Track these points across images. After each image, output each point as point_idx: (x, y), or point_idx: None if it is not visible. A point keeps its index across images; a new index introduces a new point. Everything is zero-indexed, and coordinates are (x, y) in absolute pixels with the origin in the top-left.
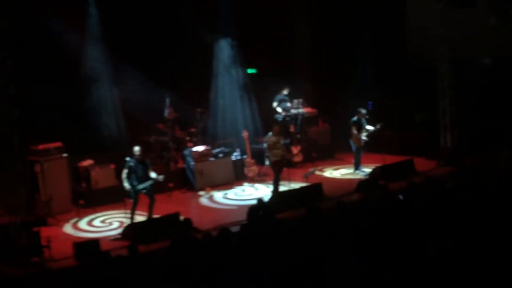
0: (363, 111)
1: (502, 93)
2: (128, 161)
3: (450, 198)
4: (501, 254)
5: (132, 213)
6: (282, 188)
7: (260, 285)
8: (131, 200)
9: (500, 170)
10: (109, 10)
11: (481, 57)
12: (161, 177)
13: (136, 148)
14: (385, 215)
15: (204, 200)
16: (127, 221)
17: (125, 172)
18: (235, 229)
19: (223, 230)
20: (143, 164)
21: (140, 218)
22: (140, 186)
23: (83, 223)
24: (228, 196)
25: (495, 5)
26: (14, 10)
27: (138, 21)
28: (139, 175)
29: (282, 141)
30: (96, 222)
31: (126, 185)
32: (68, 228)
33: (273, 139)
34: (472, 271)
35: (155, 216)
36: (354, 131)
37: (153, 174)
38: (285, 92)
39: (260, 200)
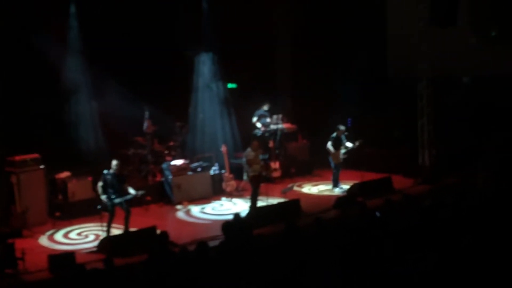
0: (342, 127)
1: (481, 112)
2: (104, 174)
3: (428, 216)
4: (480, 269)
5: (109, 226)
6: (260, 203)
7: None
8: (107, 213)
9: (478, 188)
10: (90, 23)
11: (461, 76)
12: (140, 193)
13: (114, 162)
14: (363, 232)
15: (181, 214)
16: (103, 234)
17: (100, 184)
18: (212, 243)
19: (201, 244)
20: (120, 178)
21: (116, 231)
22: (117, 200)
23: (59, 235)
24: (206, 210)
25: (476, 25)
26: None
27: (118, 34)
28: (116, 188)
29: (260, 156)
30: (72, 235)
31: (103, 197)
32: (43, 240)
33: (252, 154)
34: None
35: (132, 229)
36: (331, 148)
37: (131, 190)
38: (265, 107)
39: (237, 215)
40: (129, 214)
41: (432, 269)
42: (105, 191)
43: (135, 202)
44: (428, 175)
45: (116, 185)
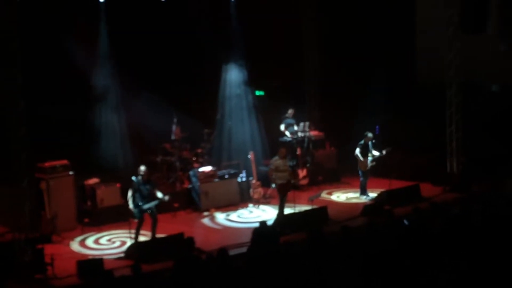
0: (370, 134)
1: (509, 120)
2: (133, 181)
3: (456, 224)
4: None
5: (137, 233)
6: (287, 211)
7: None
8: (136, 220)
9: (507, 196)
10: (120, 29)
11: (490, 84)
12: (167, 197)
13: (142, 168)
14: (390, 240)
15: (208, 221)
16: (130, 241)
17: (130, 192)
18: (239, 251)
19: (221, 251)
20: (149, 183)
21: (143, 238)
22: (146, 206)
23: (88, 241)
24: (231, 217)
25: (505, 32)
26: (24, 28)
27: (147, 41)
28: (144, 194)
29: (288, 163)
30: (103, 241)
31: (131, 205)
32: (72, 246)
33: (279, 162)
34: None
35: (159, 235)
36: (359, 155)
37: (159, 194)
38: (290, 111)
39: (263, 223)
40: (156, 221)
41: (461, 278)
42: (133, 198)
43: (163, 208)
44: (456, 183)
45: (145, 191)
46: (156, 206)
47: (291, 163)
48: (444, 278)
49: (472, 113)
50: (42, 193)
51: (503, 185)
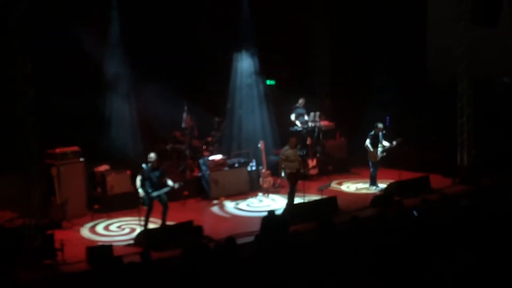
0: (380, 125)
1: None
2: (143, 168)
3: (465, 216)
4: None
5: (146, 220)
6: (296, 200)
7: None
8: (145, 207)
9: None
10: (130, 18)
11: (501, 77)
12: (177, 185)
13: (152, 155)
14: (400, 231)
15: (218, 210)
16: (139, 228)
17: (139, 179)
18: (248, 239)
19: (228, 239)
20: (158, 171)
21: (153, 225)
22: (155, 194)
23: (100, 228)
24: (240, 206)
25: None
26: (36, 15)
27: (158, 29)
28: (153, 182)
29: (298, 153)
30: (113, 227)
31: (141, 192)
32: (85, 232)
33: (290, 152)
34: None
35: (169, 223)
36: (369, 146)
37: (169, 182)
38: (300, 101)
39: (272, 212)
40: (166, 208)
41: (469, 271)
42: (143, 185)
43: (173, 196)
44: (466, 175)
45: (154, 178)
46: (167, 193)
47: (301, 153)
48: (453, 270)
49: (483, 106)
50: (52, 179)
51: None
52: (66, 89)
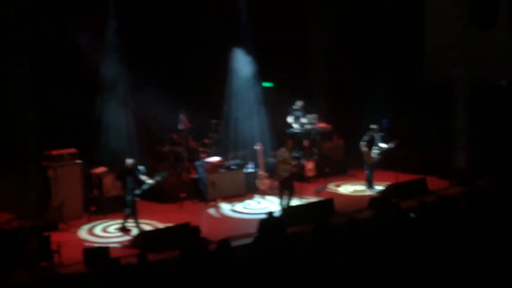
0: (375, 127)
1: None
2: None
3: (462, 218)
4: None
5: (136, 222)
6: (293, 202)
7: None
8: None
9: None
10: (128, 20)
11: (498, 79)
12: (156, 179)
13: (129, 161)
14: (397, 233)
15: (215, 211)
16: (133, 230)
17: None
18: (245, 241)
19: (222, 242)
20: (132, 172)
21: (148, 227)
22: (134, 194)
23: (97, 230)
24: (236, 208)
25: None
26: (34, 15)
27: (155, 30)
28: (131, 185)
29: (293, 155)
30: (111, 229)
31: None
32: (79, 234)
33: (286, 154)
34: None
35: (166, 225)
36: (364, 148)
37: (149, 180)
38: (298, 103)
39: (270, 214)
40: (133, 215)
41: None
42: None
43: (170, 198)
44: (462, 177)
45: (130, 180)
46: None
47: (296, 155)
48: (449, 268)
49: (479, 108)
50: (49, 181)
51: (509, 181)
52: (63, 91)
